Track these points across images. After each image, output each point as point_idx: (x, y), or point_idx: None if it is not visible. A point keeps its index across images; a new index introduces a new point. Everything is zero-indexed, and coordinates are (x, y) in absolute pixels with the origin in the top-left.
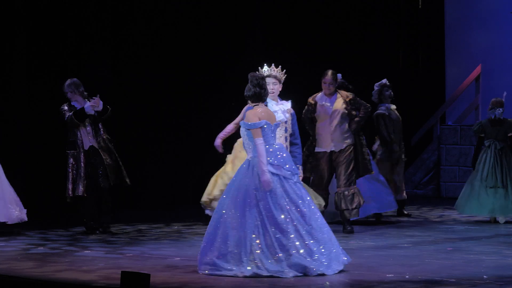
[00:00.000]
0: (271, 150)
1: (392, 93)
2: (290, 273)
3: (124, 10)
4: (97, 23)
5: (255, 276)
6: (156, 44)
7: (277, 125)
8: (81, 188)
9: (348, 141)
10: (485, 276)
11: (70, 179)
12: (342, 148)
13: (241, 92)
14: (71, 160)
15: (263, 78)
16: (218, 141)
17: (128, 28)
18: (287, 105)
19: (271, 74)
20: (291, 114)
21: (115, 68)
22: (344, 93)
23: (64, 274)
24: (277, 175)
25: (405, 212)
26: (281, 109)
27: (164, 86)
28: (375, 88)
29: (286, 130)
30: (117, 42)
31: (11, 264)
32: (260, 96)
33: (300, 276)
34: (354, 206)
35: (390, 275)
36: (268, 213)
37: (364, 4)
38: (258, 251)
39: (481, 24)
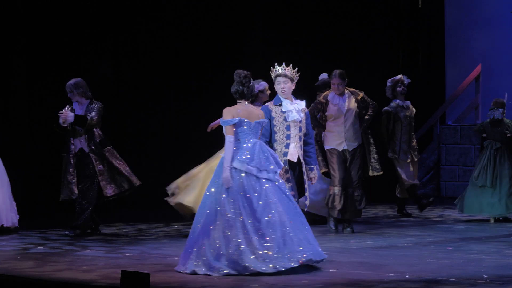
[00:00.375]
0: (244, 146)
1: (404, 89)
2: (222, 271)
3: (125, 9)
4: (98, 23)
5: (193, 273)
6: (156, 44)
7: (259, 123)
8: (66, 192)
9: (359, 139)
10: (485, 276)
11: (62, 182)
12: (355, 147)
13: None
14: (63, 163)
15: (246, 76)
16: (213, 124)
17: (129, 28)
18: (302, 104)
19: (281, 73)
20: (305, 113)
21: (116, 68)
22: (355, 91)
23: (64, 273)
24: (240, 170)
25: (405, 212)
26: (295, 108)
27: (165, 85)
28: (388, 84)
29: (300, 130)
30: (118, 41)
31: (11, 263)
32: (243, 94)
33: (234, 275)
34: (360, 207)
35: (390, 275)
36: (221, 209)
37: (364, 4)
38: (205, 247)
39: (481, 24)
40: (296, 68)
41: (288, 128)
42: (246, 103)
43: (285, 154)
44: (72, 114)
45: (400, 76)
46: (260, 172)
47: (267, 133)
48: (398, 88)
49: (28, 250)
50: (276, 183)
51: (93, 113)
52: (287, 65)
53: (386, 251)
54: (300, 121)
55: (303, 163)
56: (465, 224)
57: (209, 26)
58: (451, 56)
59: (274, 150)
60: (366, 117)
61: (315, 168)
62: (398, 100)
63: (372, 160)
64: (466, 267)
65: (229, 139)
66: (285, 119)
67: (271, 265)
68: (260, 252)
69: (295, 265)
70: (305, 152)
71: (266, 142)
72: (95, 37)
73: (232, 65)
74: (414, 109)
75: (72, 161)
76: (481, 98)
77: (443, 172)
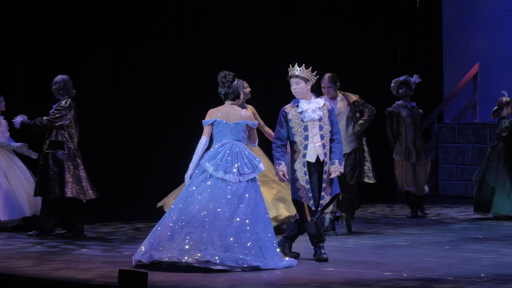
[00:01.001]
0: (216, 145)
1: (405, 91)
2: (140, 261)
3: (125, 10)
4: (96, 22)
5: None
6: (154, 44)
7: (238, 124)
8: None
9: (352, 144)
10: (482, 274)
11: None
12: (348, 152)
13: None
14: None
15: (225, 76)
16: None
17: (128, 29)
18: (320, 102)
19: (292, 74)
20: (328, 110)
21: (115, 68)
22: (348, 95)
23: (61, 272)
24: (203, 168)
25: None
26: (311, 108)
27: (164, 86)
28: (392, 84)
29: (321, 128)
30: (117, 41)
31: (9, 262)
32: (225, 94)
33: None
34: (354, 210)
35: (388, 273)
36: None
37: (361, 3)
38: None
39: (479, 23)
40: (310, 68)
41: (305, 128)
42: (230, 103)
43: (304, 155)
44: (18, 121)
45: (404, 77)
46: (216, 171)
47: (282, 136)
48: (400, 90)
49: (25, 249)
50: (234, 184)
51: (45, 117)
52: (300, 66)
53: (384, 250)
54: (320, 119)
55: (325, 161)
56: (462, 223)
57: (208, 26)
58: (449, 55)
59: (294, 152)
60: (360, 121)
61: (336, 162)
62: (401, 101)
63: (365, 168)
64: (463, 266)
65: (201, 140)
66: (302, 120)
67: (168, 256)
68: (169, 242)
69: (190, 262)
70: (330, 148)
71: (282, 145)
72: (93, 37)
73: (232, 65)
74: (420, 111)
75: (39, 161)
76: (479, 96)
77: (441, 171)
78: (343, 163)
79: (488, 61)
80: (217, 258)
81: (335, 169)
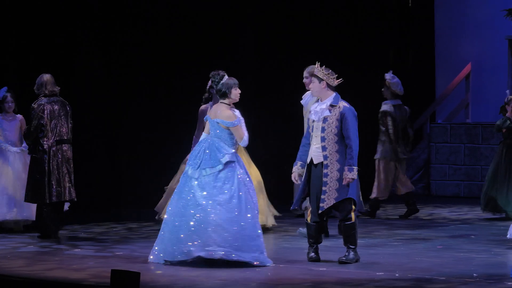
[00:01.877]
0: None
1: (382, 90)
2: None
3: (117, 9)
4: (89, 22)
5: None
6: (148, 43)
7: (213, 122)
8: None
9: None
10: (475, 274)
11: None
12: None
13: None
14: None
15: (213, 76)
16: None
17: (120, 28)
18: (327, 102)
19: (311, 71)
20: (340, 112)
21: (107, 66)
22: None
23: (54, 272)
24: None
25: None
26: (314, 108)
27: (157, 85)
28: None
29: (323, 130)
30: (109, 41)
31: (1, 262)
32: (216, 93)
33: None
34: None
35: (380, 273)
36: None
37: (354, 3)
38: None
39: (471, 23)
40: (324, 66)
41: (312, 128)
42: (220, 101)
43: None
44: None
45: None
46: (191, 169)
47: (307, 135)
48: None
49: (18, 249)
50: (196, 179)
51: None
52: (321, 65)
53: (376, 250)
54: (324, 121)
55: (326, 164)
56: (455, 222)
57: (202, 26)
58: (441, 55)
59: None
60: None
61: (346, 169)
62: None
63: None
64: (456, 265)
65: (201, 136)
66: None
67: (158, 255)
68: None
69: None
70: (346, 154)
71: (307, 144)
72: (86, 37)
73: (227, 65)
74: (382, 110)
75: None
76: (471, 96)
77: (433, 171)
78: (355, 169)
79: (480, 61)
80: (173, 256)
81: (345, 176)
